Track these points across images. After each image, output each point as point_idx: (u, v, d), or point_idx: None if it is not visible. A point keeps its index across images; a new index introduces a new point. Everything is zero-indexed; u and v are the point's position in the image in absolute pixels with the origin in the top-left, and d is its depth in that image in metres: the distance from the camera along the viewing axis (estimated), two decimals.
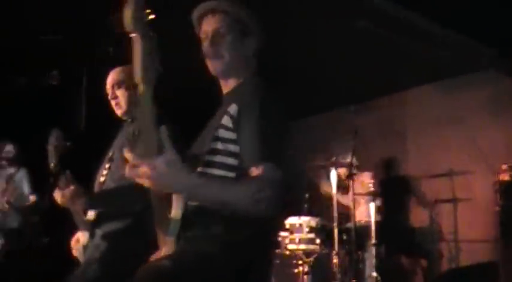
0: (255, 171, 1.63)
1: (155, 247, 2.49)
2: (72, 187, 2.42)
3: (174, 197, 1.72)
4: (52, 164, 2.52)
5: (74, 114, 2.82)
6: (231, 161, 1.75)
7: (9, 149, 4.99)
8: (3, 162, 5.00)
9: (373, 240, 5.09)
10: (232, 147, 1.75)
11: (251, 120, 1.69)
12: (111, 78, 2.75)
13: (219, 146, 1.77)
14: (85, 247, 2.60)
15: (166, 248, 1.77)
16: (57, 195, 2.46)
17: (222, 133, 1.77)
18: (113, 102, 2.74)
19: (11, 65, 3.66)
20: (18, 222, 4.95)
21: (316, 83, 5.71)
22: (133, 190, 2.41)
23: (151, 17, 1.58)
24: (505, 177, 4.91)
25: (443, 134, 6.11)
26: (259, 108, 1.70)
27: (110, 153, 2.71)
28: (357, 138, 4.95)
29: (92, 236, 2.57)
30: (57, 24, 4.09)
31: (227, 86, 1.97)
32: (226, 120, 1.77)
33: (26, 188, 5.21)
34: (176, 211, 1.72)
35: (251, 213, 1.58)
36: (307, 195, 5.28)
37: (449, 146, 6.03)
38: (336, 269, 4.84)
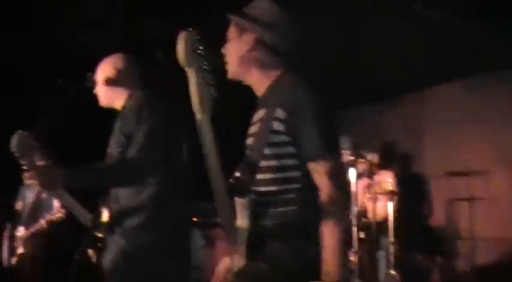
0: (315, 167, 1.73)
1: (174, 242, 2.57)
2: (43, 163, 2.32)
3: (238, 207, 1.78)
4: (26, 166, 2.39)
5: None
6: (291, 162, 1.80)
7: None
8: None
9: (391, 239, 5.11)
10: (290, 149, 1.79)
11: (306, 119, 1.76)
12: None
13: (275, 150, 1.81)
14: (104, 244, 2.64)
15: (237, 256, 1.81)
16: (29, 178, 2.32)
17: (275, 138, 1.81)
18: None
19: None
20: None
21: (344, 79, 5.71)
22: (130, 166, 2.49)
23: (204, 50, 1.64)
24: None
25: (464, 132, 6.11)
26: (310, 106, 1.77)
27: (109, 150, 2.71)
28: (379, 136, 4.96)
29: (110, 233, 2.60)
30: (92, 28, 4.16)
31: (257, 88, 1.99)
32: (277, 125, 1.80)
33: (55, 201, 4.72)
34: (242, 220, 1.77)
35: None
36: None
37: (468, 145, 6.02)
38: (354, 267, 4.87)
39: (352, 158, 5.05)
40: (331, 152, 1.74)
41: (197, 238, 5.45)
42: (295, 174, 1.79)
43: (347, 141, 5.43)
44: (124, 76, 2.74)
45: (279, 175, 1.81)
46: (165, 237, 2.55)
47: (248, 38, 1.92)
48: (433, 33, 4.78)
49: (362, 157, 5.16)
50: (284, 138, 1.79)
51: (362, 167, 5.15)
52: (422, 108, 6.52)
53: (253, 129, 1.96)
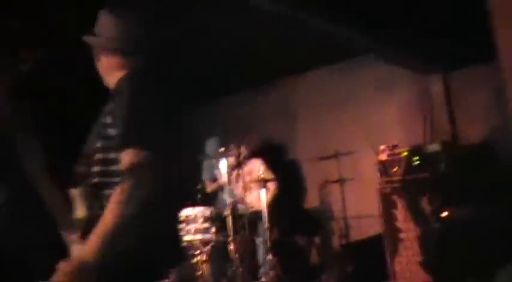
0: (121, 157, 1.76)
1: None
2: None
3: (76, 198, 1.86)
4: None
5: None
6: (113, 156, 1.84)
7: None
8: None
9: (266, 225, 5.28)
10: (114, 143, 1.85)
11: (118, 112, 1.84)
12: None
13: (103, 143, 1.88)
14: None
15: (74, 245, 1.82)
16: None
17: (105, 131, 1.89)
18: None
19: None
20: None
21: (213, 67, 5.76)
22: None
23: None
24: (384, 157, 5.24)
25: (333, 116, 6.41)
26: (125, 100, 1.85)
27: None
28: (250, 124, 5.08)
29: None
30: None
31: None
32: (107, 119, 1.89)
33: None
34: (79, 211, 1.85)
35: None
36: (199, 186, 5.38)
37: (338, 128, 6.32)
38: (233, 256, 5.00)
39: (221, 149, 5.17)
40: (141, 143, 1.76)
41: None
42: (117, 168, 1.82)
43: (215, 135, 5.56)
44: None
45: (103, 168, 1.88)
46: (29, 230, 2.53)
47: (96, 51, 2.12)
48: (297, 24, 4.93)
49: (232, 147, 5.28)
50: (112, 131, 1.87)
51: (232, 157, 5.27)
52: (293, 94, 6.75)
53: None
